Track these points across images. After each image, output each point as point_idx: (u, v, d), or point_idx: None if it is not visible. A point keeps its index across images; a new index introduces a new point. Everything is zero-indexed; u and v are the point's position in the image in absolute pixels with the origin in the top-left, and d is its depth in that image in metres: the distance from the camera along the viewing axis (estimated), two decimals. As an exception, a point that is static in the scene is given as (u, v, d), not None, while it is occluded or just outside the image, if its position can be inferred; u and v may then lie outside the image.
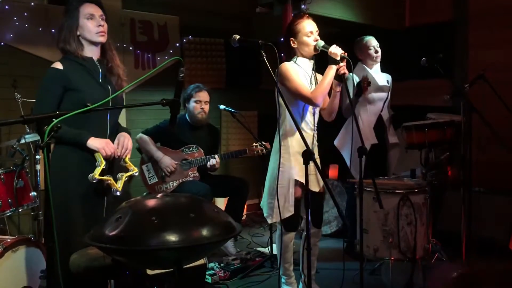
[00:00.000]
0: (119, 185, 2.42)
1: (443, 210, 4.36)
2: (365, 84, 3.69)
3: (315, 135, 3.01)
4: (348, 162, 4.03)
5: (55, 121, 1.36)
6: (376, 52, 3.91)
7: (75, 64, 2.42)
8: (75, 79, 2.39)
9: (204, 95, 4.09)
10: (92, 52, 2.48)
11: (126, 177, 2.48)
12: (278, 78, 2.73)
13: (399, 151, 4.07)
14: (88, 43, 2.46)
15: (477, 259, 3.57)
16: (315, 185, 3.02)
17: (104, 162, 2.36)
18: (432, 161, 3.77)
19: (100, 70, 2.50)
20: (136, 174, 2.55)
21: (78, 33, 2.43)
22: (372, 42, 3.93)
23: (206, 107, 4.10)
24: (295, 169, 2.88)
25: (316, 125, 3.01)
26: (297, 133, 2.82)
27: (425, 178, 3.69)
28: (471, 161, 3.36)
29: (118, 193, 2.42)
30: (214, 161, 3.99)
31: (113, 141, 2.50)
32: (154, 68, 1.81)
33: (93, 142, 2.38)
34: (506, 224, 3.96)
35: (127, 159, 2.50)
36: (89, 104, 1.64)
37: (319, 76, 3.03)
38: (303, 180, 2.80)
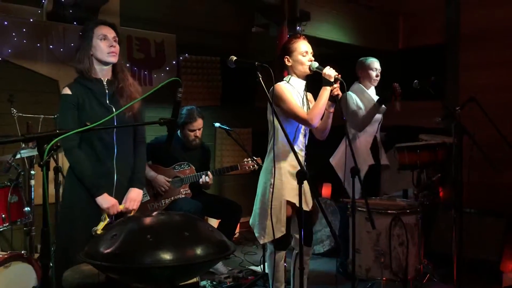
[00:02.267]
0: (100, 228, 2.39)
1: (434, 231, 4.39)
2: (398, 90, 3.73)
3: (304, 155, 3.03)
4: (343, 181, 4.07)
5: (55, 140, 1.39)
6: (377, 76, 3.98)
7: (81, 87, 2.54)
8: (81, 100, 2.51)
9: (198, 124, 4.07)
10: (102, 73, 2.58)
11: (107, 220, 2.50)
12: (273, 99, 2.77)
13: (389, 173, 4.12)
14: (98, 63, 2.56)
15: (468, 280, 3.59)
16: (305, 205, 3.04)
17: (107, 220, 2.44)
18: (424, 182, 3.82)
19: (107, 91, 2.57)
20: None
21: (91, 52, 2.53)
22: (375, 64, 3.99)
23: (200, 132, 4.12)
24: (286, 189, 2.90)
25: (305, 145, 3.04)
26: (289, 153, 2.86)
27: (417, 198, 3.73)
28: (462, 182, 3.40)
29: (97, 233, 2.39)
30: (206, 178, 4.00)
31: (125, 163, 2.64)
32: (153, 88, 1.85)
33: (102, 201, 2.51)
34: (497, 245, 3.99)
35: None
36: (88, 124, 1.68)
37: (309, 95, 3.08)
38: (294, 200, 2.82)
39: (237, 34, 5.50)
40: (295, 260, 3.09)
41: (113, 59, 2.55)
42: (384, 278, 3.07)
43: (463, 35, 4.95)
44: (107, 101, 2.56)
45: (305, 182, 2.99)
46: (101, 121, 1.77)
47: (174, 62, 5.23)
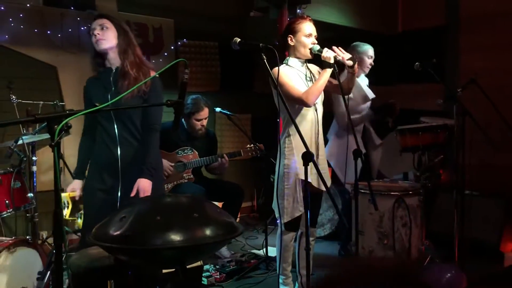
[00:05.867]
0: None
1: (436, 212, 4.41)
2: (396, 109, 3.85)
3: (319, 131, 2.99)
4: (337, 171, 4.03)
5: (65, 120, 1.39)
6: (371, 64, 3.96)
7: (94, 79, 2.68)
8: (90, 92, 2.65)
9: (205, 113, 4.07)
10: (109, 62, 2.62)
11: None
12: (272, 83, 2.75)
13: (381, 154, 4.12)
14: (99, 55, 2.63)
15: (469, 261, 3.63)
16: (320, 185, 3.03)
17: (71, 204, 2.40)
18: (426, 164, 3.82)
19: (112, 79, 2.60)
20: None
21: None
22: (371, 52, 3.96)
23: (206, 121, 4.13)
24: (301, 169, 2.89)
25: (319, 120, 2.99)
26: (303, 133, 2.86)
27: (418, 180, 3.74)
28: (463, 164, 3.42)
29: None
30: (223, 160, 4.01)
31: (130, 149, 2.64)
32: (159, 71, 1.85)
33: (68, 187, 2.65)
34: (497, 227, 4.03)
35: None
36: (97, 104, 1.68)
37: (312, 67, 3.04)
38: (309, 180, 2.82)
39: (236, 18, 5.46)
40: (300, 241, 3.10)
41: (101, 45, 2.57)
42: (387, 259, 3.09)
43: (463, 18, 4.93)
44: (113, 89, 2.60)
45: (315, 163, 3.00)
46: (104, 105, 1.76)
47: (172, 47, 5.19)
